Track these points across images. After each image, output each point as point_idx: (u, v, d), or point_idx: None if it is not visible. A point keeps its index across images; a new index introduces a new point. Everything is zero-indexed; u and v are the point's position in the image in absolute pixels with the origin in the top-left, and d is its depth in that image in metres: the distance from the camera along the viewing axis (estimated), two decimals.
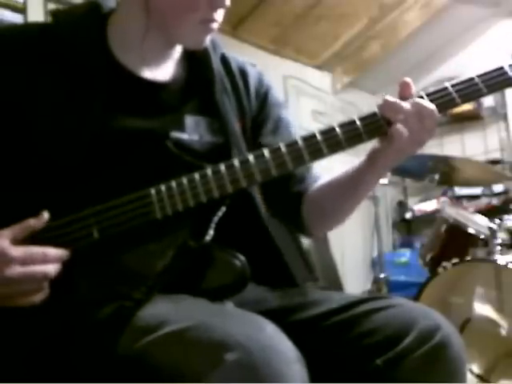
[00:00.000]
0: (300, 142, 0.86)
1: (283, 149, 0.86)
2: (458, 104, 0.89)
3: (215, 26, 0.94)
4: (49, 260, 0.80)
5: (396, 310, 0.88)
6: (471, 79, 0.89)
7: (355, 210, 1.03)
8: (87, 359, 0.76)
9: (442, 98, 0.89)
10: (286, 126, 1.09)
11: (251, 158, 0.86)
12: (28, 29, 1.00)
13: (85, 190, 0.85)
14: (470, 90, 0.89)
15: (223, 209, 0.88)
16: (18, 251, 0.78)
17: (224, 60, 1.06)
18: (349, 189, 0.99)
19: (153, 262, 0.84)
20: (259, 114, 1.08)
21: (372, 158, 0.93)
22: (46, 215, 0.83)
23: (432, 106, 0.87)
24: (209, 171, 0.85)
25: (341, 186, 1.01)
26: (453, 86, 0.89)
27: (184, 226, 0.86)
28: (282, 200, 1.06)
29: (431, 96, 0.89)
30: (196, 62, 1.02)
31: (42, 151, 0.88)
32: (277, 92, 1.14)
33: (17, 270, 0.77)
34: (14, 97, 0.90)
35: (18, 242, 0.80)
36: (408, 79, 0.90)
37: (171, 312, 0.76)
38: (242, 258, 0.85)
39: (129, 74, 0.95)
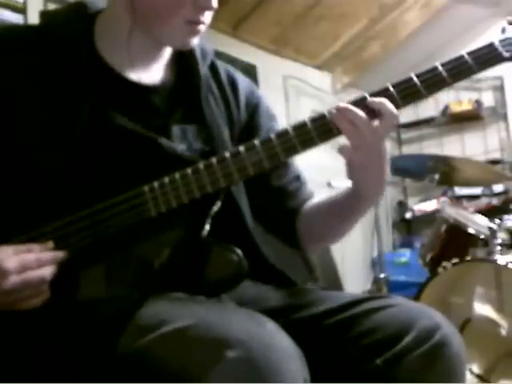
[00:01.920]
0: (291, 132, 0.86)
1: (274, 140, 0.85)
2: (449, 83, 0.85)
3: (202, 27, 0.93)
4: (43, 264, 0.80)
5: (395, 309, 0.88)
6: (461, 57, 0.85)
7: (347, 232, 1.03)
8: (88, 359, 0.76)
9: (432, 79, 0.85)
10: None
11: (242, 149, 0.86)
12: (26, 30, 1.00)
13: (77, 189, 0.85)
14: (461, 68, 0.85)
15: (219, 203, 0.88)
16: (12, 261, 0.78)
17: (213, 68, 1.06)
18: (337, 214, 1.00)
19: (150, 261, 0.84)
20: (250, 123, 1.07)
21: (352, 184, 0.94)
22: (50, 244, 0.83)
23: (390, 107, 0.83)
24: (201, 165, 0.85)
25: (329, 211, 1.02)
26: (443, 65, 0.85)
27: (180, 223, 0.86)
28: (277, 217, 1.07)
29: (423, 76, 0.85)
30: (185, 67, 1.01)
31: (33, 152, 0.88)
32: (268, 105, 1.12)
33: (14, 279, 0.78)
34: (9, 96, 0.90)
35: None
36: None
37: (171, 310, 0.76)
38: (239, 251, 0.85)
39: (116, 75, 0.95)
